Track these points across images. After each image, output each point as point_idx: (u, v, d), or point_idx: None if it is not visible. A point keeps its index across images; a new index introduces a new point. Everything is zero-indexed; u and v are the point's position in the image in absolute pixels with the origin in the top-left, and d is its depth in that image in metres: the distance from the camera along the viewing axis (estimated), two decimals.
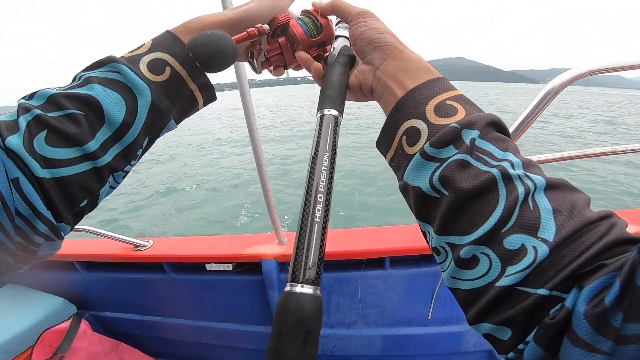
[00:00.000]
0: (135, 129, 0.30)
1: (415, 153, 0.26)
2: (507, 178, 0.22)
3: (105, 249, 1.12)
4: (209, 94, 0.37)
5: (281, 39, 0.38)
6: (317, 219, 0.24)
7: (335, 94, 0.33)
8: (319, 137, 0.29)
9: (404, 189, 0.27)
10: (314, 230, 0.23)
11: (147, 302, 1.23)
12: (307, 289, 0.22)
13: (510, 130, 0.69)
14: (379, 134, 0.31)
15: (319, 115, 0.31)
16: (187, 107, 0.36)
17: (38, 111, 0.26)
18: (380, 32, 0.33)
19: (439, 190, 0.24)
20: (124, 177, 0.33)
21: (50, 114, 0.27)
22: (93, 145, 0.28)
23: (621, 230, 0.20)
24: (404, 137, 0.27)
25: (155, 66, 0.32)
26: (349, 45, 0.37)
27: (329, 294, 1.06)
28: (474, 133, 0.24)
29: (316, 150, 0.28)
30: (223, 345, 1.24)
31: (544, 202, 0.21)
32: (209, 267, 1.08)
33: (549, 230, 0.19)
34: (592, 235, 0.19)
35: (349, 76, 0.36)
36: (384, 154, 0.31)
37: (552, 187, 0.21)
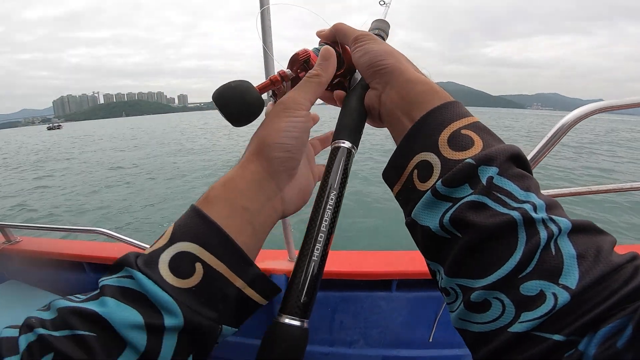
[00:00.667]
0: (167, 353, 0.23)
1: (427, 190, 0.24)
2: (529, 222, 0.20)
3: (117, 252, 1.12)
4: (266, 286, 0.28)
5: (302, 74, 0.36)
6: (314, 258, 0.24)
7: (352, 124, 0.31)
8: (328, 170, 0.28)
9: (411, 225, 0.25)
10: (310, 267, 0.24)
11: None
12: (296, 321, 0.23)
13: None
14: (386, 164, 0.28)
15: (333, 146, 0.29)
16: (242, 309, 0.28)
17: (42, 331, 0.22)
18: (377, 55, 0.29)
19: (450, 231, 0.22)
20: None
21: (55, 333, 0.22)
22: None
23: None
24: (416, 171, 0.25)
25: (181, 265, 0.24)
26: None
27: (333, 312, 1.07)
28: (492, 170, 0.22)
29: (324, 184, 0.27)
30: (220, 357, 1.23)
31: (567, 247, 0.19)
32: None
33: (571, 276, 0.18)
34: (616, 280, 0.18)
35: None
36: (391, 186, 0.28)
37: (577, 230, 0.20)
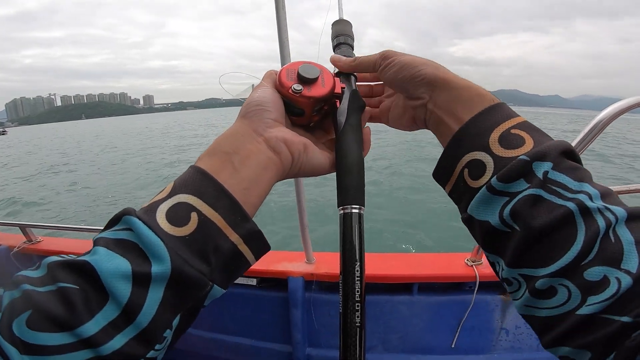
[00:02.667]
0: (151, 307, 0.22)
1: (481, 187, 0.25)
2: (586, 211, 0.21)
3: None
4: (259, 244, 0.28)
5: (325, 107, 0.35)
6: (357, 324, 0.26)
7: (355, 182, 0.29)
8: (344, 242, 0.28)
9: (468, 221, 0.26)
10: (357, 334, 0.26)
11: None
12: None
13: None
14: (436, 164, 0.29)
15: (341, 212, 0.29)
16: (233, 266, 0.27)
17: (27, 287, 0.21)
18: (414, 67, 0.30)
19: (511, 225, 0.23)
20: None
21: (40, 289, 0.21)
22: (90, 328, 0.21)
23: None
24: (466, 170, 0.26)
25: (177, 214, 0.24)
26: (354, 86, 0.34)
27: None
28: (547, 165, 0.23)
29: (345, 257, 0.27)
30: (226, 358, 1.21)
31: (626, 235, 0.20)
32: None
33: (632, 261, 0.19)
34: None
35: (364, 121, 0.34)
36: (442, 185, 0.30)
37: (633, 217, 0.21)
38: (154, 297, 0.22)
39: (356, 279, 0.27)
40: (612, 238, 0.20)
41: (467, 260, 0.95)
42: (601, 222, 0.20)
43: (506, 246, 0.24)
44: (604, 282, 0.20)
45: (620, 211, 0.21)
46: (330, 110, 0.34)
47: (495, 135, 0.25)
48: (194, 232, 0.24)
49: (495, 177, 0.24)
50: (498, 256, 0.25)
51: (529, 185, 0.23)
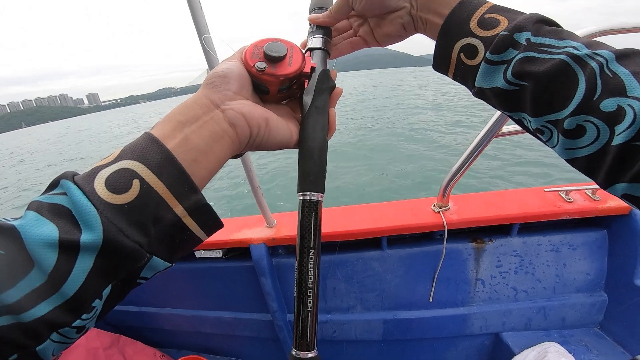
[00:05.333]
0: (78, 276, 0.22)
1: (479, 63, 0.29)
2: (577, 58, 0.24)
3: None
4: (208, 219, 0.26)
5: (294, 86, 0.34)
6: (309, 309, 0.28)
7: (316, 168, 0.30)
8: (302, 229, 0.29)
9: (480, 93, 0.30)
10: (308, 317, 0.28)
11: (143, 293, 1.21)
12: (312, 354, 0.28)
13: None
14: (433, 57, 0.33)
15: (301, 199, 0.29)
16: (178, 239, 0.25)
17: None
18: None
19: (517, 83, 0.27)
20: (82, 332, 0.24)
21: None
22: (12, 295, 0.20)
23: None
24: (462, 54, 0.30)
25: (118, 180, 0.23)
26: (326, 63, 0.34)
27: (323, 278, 1.01)
28: (526, 34, 0.26)
29: (302, 244, 0.29)
30: (221, 333, 1.21)
31: (620, 69, 0.23)
32: (198, 254, 1.04)
33: (635, 89, 0.22)
34: None
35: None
36: (445, 72, 0.33)
37: (623, 56, 0.23)
38: (83, 266, 0.21)
39: (310, 266, 0.28)
40: (610, 74, 0.23)
41: (434, 206, 0.88)
42: (593, 64, 0.23)
43: (523, 100, 0.27)
44: (620, 111, 0.22)
45: (607, 53, 0.24)
46: (300, 89, 0.34)
47: (474, 23, 0.29)
48: (133, 200, 0.23)
49: (488, 51, 0.28)
50: (521, 112, 0.28)
51: (518, 51, 0.26)
